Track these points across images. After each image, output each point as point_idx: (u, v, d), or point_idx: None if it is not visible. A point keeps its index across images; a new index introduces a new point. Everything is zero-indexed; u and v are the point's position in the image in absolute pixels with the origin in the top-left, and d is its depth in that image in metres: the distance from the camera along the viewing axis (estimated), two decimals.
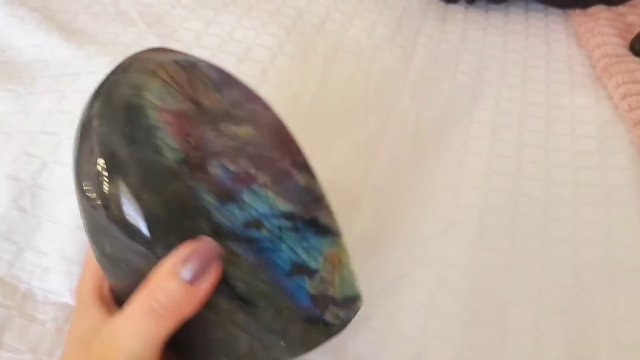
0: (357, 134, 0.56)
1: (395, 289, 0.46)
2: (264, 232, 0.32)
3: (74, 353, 0.33)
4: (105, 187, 0.30)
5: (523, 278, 0.46)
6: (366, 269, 0.46)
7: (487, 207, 0.51)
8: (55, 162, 0.50)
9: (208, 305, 0.29)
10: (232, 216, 0.32)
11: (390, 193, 0.52)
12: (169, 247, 0.29)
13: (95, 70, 0.56)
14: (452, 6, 0.77)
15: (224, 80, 0.39)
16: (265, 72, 0.61)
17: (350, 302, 0.35)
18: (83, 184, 0.31)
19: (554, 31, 0.73)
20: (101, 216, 0.30)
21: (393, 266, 0.47)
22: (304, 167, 0.38)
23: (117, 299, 0.35)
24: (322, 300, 0.33)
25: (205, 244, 0.29)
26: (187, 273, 0.28)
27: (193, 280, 0.28)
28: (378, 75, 0.62)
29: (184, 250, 0.28)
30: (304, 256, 0.33)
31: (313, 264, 0.34)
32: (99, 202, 0.30)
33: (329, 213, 0.38)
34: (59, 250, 0.45)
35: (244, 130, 0.37)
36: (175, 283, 0.28)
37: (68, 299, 0.43)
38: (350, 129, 0.56)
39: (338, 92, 0.60)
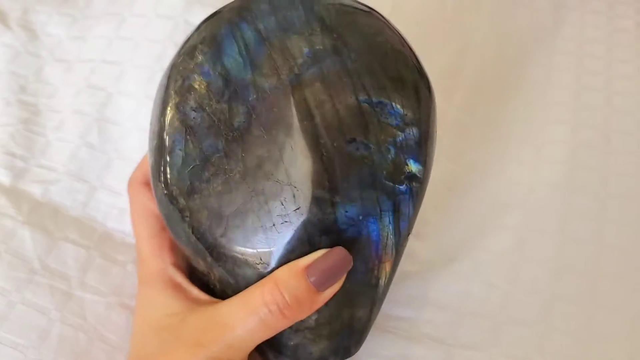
0: (435, 62, 0.52)
1: (480, 232, 0.44)
2: None
3: (154, 340, 0.31)
4: None
5: (619, 221, 0.43)
6: (449, 212, 0.45)
7: (577, 144, 0.48)
8: (120, 93, 0.47)
9: None
10: None
11: (471, 129, 0.49)
12: None
13: None
14: None
15: None
16: None
17: None
18: None
19: None
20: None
21: (477, 209, 0.45)
22: None
23: (198, 279, 0.34)
24: None
25: (341, 254, 0.29)
26: (316, 278, 0.28)
27: (320, 287, 0.28)
28: None
29: (319, 254, 0.29)
30: None
31: None
32: None
33: None
34: None
35: None
36: (305, 283, 0.28)
37: None
38: (428, 57, 0.52)
39: (413, 17, 0.55)
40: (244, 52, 0.30)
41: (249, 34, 0.30)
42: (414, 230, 0.33)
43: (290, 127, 0.29)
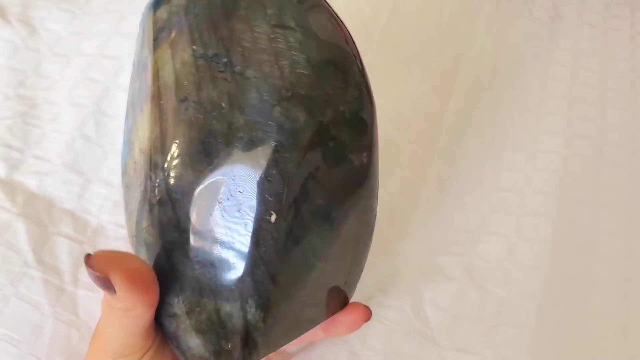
0: (432, 67, 0.53)
1: (474, 238, 0.44)
2: None
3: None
4: None
5: (610, 231, 0.44)
6: (442, 217, 0.45)
7: (570, 154, 0.48)
8: (118, 87, 0.47)
9: None
10: None
11: (466, 134, 0.50)
12: None
13: None
14: None
15: None
16: None
17: None
18: None
19: None
20: None
21: (471, 215, 0.45)
22: None
23: None
24: None
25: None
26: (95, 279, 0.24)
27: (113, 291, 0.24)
28: (452, 4, 0.58)
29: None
30: None
31: None
32: None
33: None
34: None
35: None
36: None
37: None
38: (426, 62, 0.53)
39: (412, 21, 0.56)
40: (142, 26, 0.30)
41: (148, 7, 0.30)
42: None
43: (147, 93, 0.28)
